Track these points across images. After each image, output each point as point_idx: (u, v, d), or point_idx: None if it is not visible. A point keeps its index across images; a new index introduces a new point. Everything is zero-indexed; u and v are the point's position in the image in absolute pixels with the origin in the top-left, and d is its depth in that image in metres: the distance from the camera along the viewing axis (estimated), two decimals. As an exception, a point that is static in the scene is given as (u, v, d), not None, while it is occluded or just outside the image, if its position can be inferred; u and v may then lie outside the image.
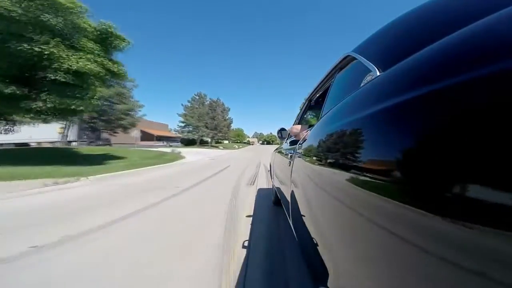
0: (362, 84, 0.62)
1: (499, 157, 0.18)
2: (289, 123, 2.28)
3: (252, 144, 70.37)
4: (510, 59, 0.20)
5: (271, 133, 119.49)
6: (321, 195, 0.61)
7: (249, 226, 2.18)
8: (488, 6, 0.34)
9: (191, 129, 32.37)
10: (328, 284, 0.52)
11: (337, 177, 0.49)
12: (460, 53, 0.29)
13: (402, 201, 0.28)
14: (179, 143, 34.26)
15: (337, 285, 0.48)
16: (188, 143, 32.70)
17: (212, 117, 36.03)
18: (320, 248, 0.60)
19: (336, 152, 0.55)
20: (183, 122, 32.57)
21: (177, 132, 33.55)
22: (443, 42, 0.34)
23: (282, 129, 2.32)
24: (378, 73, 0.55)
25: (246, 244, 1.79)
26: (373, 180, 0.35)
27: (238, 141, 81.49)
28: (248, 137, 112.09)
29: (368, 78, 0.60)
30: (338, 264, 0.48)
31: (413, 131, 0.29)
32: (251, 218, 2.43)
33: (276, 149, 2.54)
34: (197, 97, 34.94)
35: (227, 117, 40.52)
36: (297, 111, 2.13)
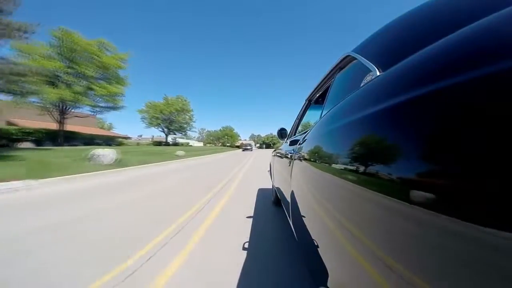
0: (362, 84, 0.62)
1: (500, 156, 0.18)
2: (289, 124, 2.22)
3: (248, 149, 33.32)
4: (510, 59, 0.20)
5: (271, 134, 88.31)
6: (321, 195, 0.61)
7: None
8: (488, 6, 0.34)
9: None
10: (328, 284, 0.52)
11: (337, 177, 0.49)
12: (460, 53, 0.29)
13: (402, 201, 0.28)
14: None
15: (337, 285, 0.48)
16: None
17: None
18: (320, 248, 0.60)
19: (336, 152, 0.55)
20: None
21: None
22: (443, 42, 0.34)
23: (282, 129, 2.32)
24: (378, 73, 0.55)
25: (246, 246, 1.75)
26: (373, 180, 0.35)
27: (227, 144, 62.95)
28: (243, 140, 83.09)
29: (368, 78, 0.61)
30: (338, 264, 0.48)
31: (413, 131, 0.29)
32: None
33: (276, 149, 2.54)
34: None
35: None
36: (295, 113, 2.05)
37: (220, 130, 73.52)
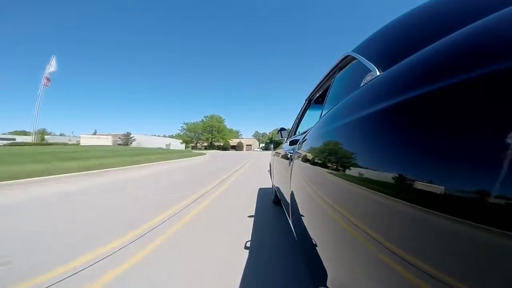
0: (362, 84, 0.62)
1: (500, 156, 0.18)
2: (290, 122, 2.20)
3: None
4: (510, 59, 0.20)
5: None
6: (321, 195, 0.61)
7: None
8: (488, 6, 0.34)
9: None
10: (328, 284, 0.52)
11: (337, 177, 0.49)
12: (460, 53, 0.29)
13: (402, 200, 0.28)
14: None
15: (336, 285, 0.48)
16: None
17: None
18: (319, 248, 0.60)
19: (336, 152, 0.55)
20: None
21: None
22: (443, 42, 0.34)
23: (282, 129, 2.32)
24: (378, 73, 0.55)
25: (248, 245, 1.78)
26: (372, 179, 0.35)
27: (217, 143, 45.02)
28: (246, 138, 65.34)
29: (368, 78, 0.61)
30: (337, 264, 0.48)
31: (413, 131, 0.29)
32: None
33: (275, 149, 2.55)
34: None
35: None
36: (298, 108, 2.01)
37: (202, 121, 46.12)
